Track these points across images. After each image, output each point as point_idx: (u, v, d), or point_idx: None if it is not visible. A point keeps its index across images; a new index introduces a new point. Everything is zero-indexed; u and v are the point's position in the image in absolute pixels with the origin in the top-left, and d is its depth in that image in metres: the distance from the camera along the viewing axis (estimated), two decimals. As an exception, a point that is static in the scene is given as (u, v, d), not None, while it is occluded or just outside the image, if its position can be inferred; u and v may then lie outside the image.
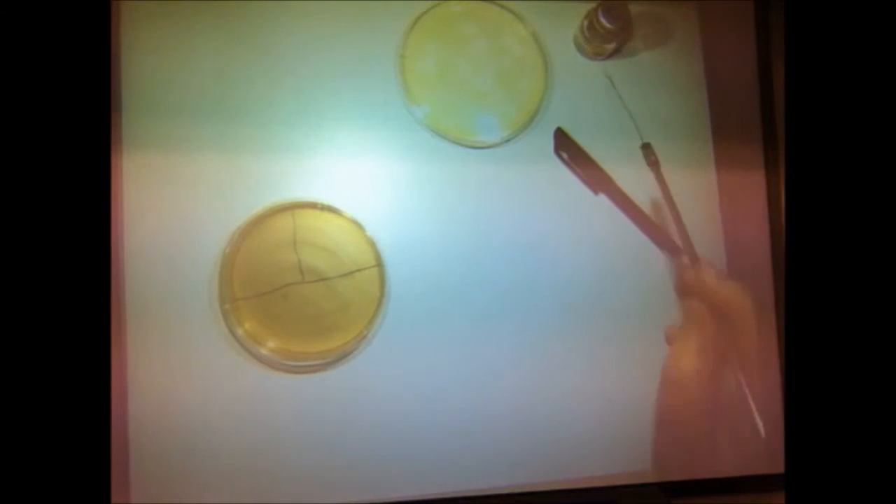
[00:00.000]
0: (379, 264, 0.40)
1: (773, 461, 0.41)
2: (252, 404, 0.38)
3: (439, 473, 0.39)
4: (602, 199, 0.44)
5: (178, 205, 0.39)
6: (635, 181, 0.44)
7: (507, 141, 0.43)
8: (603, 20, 0.42)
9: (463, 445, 0.40)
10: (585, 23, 0.43)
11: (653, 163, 0.43)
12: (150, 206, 0.39)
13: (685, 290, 0.42)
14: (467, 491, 0.39)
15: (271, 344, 0.39)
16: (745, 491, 0.41)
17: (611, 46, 0.44)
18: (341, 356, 0.39)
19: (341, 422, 0.39)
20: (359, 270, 0.40)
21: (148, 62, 0.40)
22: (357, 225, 0.40)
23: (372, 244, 0.40)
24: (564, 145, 0.43)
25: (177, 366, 0.38)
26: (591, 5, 0.43)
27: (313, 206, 0.40)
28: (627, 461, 0.40)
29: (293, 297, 0.39)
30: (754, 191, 0.45)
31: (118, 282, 0.38)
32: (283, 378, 0.39)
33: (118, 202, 0.39)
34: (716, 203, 0.45)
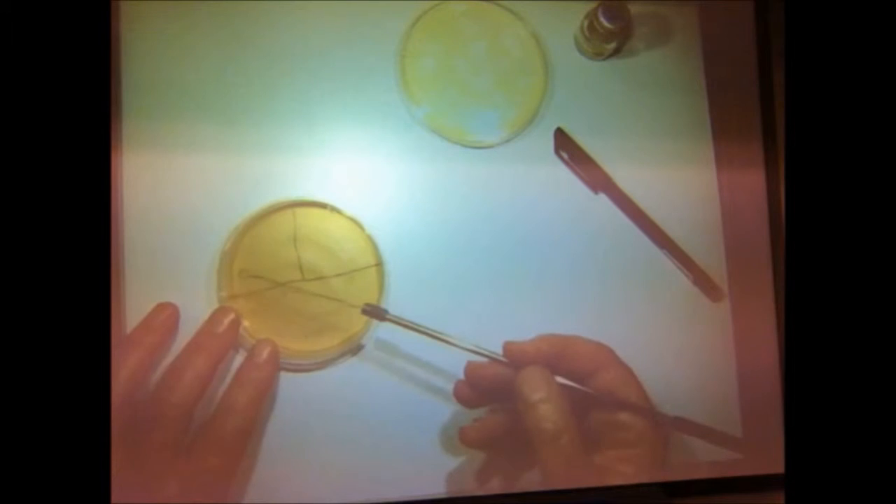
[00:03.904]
0: (378, 263, 0.40)
1: (772, 461, 0.41)
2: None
3: (440, 473, 0.39)
4: (602, 198, 0.44)
5: (178, 205, 0.39)
6: (635, 181, 0.44)
7: (507, 141, 0.43)
8: (603, 20, 0.42)
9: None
10: (585, 23, 0.43)
11: None
12: (150, 206, 0.39)
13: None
14: (467, 491, 0.39)
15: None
16: (745, 491, 0.41)
17: (611, 46, 0.44)
18: (340, 355, 0.39)
19: (340, 421, 0.39)
20: (358, 270, 0.40)
21: (148, 62, 0.40)
22: (357, 224, 0.40)
23: (372, 243, 0.40)
24: (564, 145, 0.43)
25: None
26: (591, 5, 0.43)
27: (314, 204, 0.40)
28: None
29: (292, 295, 0.39)
30: (754, 190, 0.45)
31: (118, 282, 0.38)
32: (281, 377, 0.39)
33: (118, 202, 0.39)
34: (716, 203, 0.45)
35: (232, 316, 0.37)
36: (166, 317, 0.37)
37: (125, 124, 0.39)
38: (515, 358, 0.37)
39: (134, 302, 0.38)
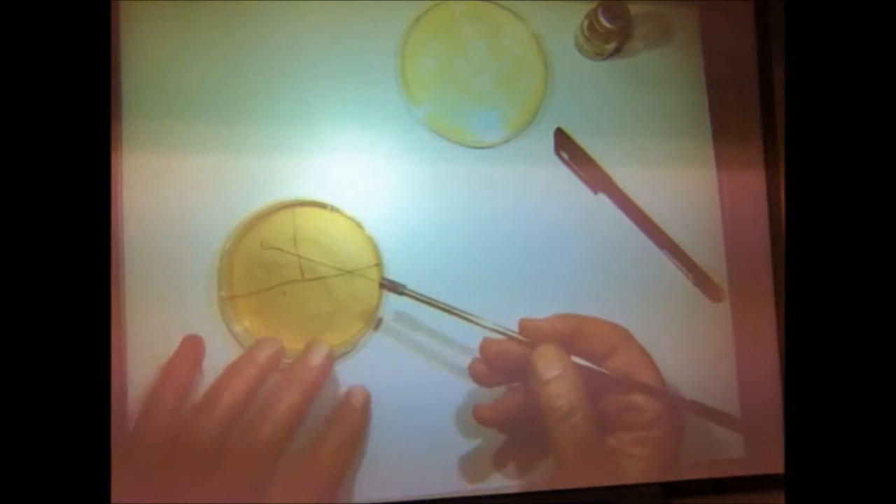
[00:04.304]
0: (378, 264, 0.40)
1: (772, 461, 0.41)
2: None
3: (438, 473, 0.39)
4: (602, 198, 0.44)
5: (178, 205, 0.39)
6: (635, 181, 0.44)
7: (507, 141, 0.43)
8: (603, 20, 0.42)
9: (462, 444, 0.40)
10: (585, 23, 0.43)
11: None
12: (150, 206, 0.39)
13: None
14: (467, 491, 0.39)
15: None
16: (745, 491, 0.41)
17: (611, 46, 0.44)
18: (338, 356, 0.39)
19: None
20: (358, 270, 0.40)
21: (148, 62, 0.40)
22: (357, 224, 0.40)
23: (372, 243, 0.40)
24: (564, 145, 0.43)
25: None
26: (591, 5, 0.43)
27: (314, 204, 0.40)
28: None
29: (292, 294, 0.39)
30: (754, 190, 0.45)
31: (118, 282, 0.38)
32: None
33: (118, 202, 0.39)
34: (716, 203, 0.45)
35: (277, 347, 0.37)
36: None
37: (125, 124, 0.39)
38: (531, 335, 0.36)
39: (133, 301, 0.38)
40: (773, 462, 0.41)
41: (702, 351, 0.43)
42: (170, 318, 0.38)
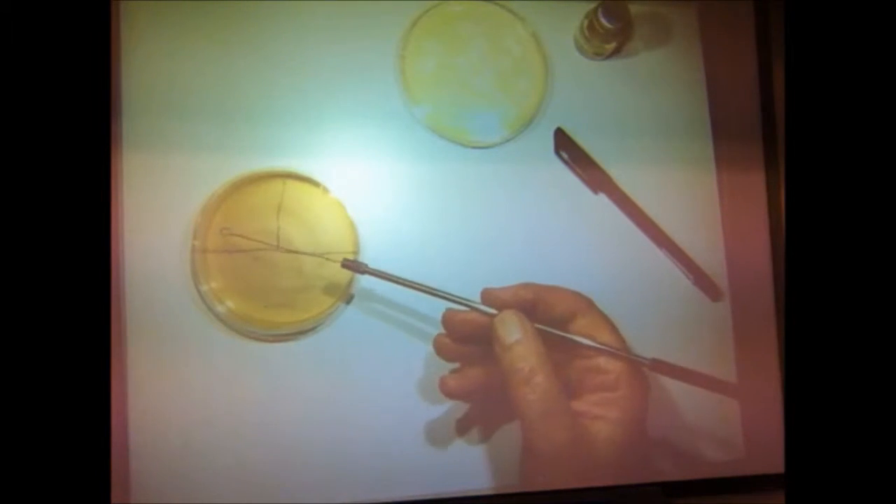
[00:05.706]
0: (354, 252, 0.40)
1: (772, 461, 0.41)
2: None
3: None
4: (602, 198, 0.44)
5: (178, 205, 0.39)
6: (635, 181, 0.44)
7: (507, 141, 0.43)
8: (603, 20, 0.42)
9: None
10: (585, 23, 0.43)
11: None
12: (150, 206, 0.39)
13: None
14: (461, 491, 0.39)
15: (230, 303, 0.39)
16: (745, 491, 0.41)
17: (611, 46, 0.44)
18: (297, 332, 0.39)
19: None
20: (332, 254, 0.40)
21: (148, 62, 0.40)
22: (343, 210, 0.40)
23: (353, 231, 0.40)
24: (564, 145, 0.43)
25: (178, 368, 0.38)
26: (591, 5, 0.43)
27: (307, 180, 0.40)
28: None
29: (265, 261, 0.39)
30: (754, 191, 0.45)
31: (118, 282, 0.38)
32: (249, 346, 0.39)
33: (118, 202, 0.39)
34: (716, 203, 0.45)
35: None
36: None
37: (125, 124, 0.39)
38: (493, 304, 0.37)
39: (134, 302, 0.38)
40: (773, 462, 0.41)
41: (702, 351, 0.43)
42: (171, 319, 0.38)
